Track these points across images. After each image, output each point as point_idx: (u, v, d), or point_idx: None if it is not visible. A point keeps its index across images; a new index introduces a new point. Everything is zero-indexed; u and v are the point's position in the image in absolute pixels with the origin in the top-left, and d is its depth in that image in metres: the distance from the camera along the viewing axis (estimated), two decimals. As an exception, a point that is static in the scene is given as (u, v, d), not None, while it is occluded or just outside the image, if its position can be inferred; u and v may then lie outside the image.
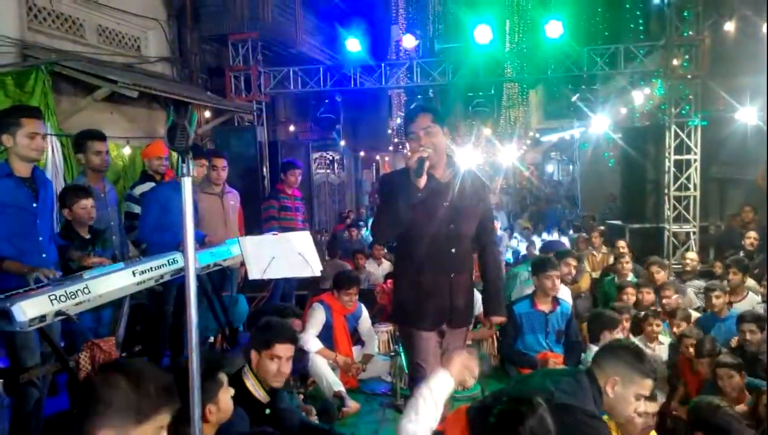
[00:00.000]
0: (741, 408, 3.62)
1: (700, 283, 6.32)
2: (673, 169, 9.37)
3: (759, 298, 5.66)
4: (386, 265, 8.33)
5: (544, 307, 4.80)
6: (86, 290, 3.13)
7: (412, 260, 3.20)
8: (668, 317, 5.30)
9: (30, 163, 3.48)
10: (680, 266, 7.86)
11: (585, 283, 6.72)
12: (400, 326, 3.60)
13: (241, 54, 10.04)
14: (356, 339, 5.35)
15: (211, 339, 5.06)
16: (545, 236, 13.05)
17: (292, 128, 13.39)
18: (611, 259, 7.66)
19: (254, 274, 3.96)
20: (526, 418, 1.80)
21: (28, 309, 2.79)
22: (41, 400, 3.41)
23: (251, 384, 3.05)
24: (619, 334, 4.37)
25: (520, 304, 4.87)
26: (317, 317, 4.94)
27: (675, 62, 9.19)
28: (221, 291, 4.87)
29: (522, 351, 4.78)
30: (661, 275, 6.14)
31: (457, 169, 3.19)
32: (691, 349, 4.31)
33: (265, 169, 9.67)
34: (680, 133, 9.32)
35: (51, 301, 2.91)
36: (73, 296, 3.04)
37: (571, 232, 12.93)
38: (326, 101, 14.48)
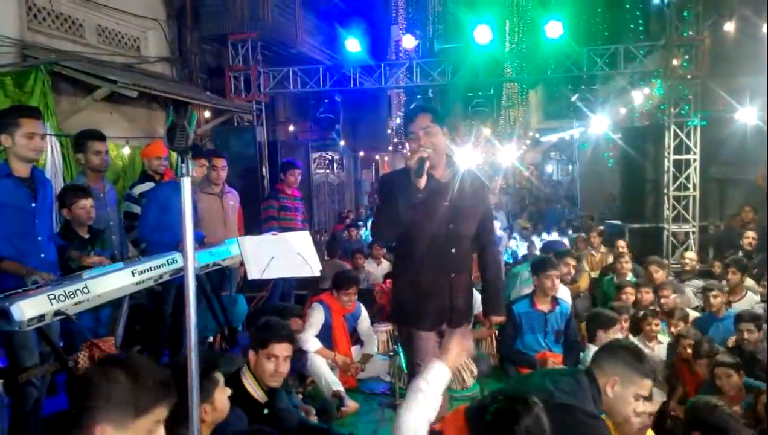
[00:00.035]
0: (735, 408, 3.62)
1: (699, 283, 6.33)
2: (672, 169, 9.38)
3: (758, 298, 5.66)
4: (385, 265, 8.33)
5: (544, 306, 4.80)
6: (85, 290, 3.13)
7: (411, 260, 3.20)
8: (666, 317, 5.31)
9: (29, 163, 3.48)
10: (679, 266, 7.86)
11: (584, 283, 6.72)
12: (399, 326, 3.60)
13: (241, 54, 10.04)
14: (355, 339, 5.35)
15: (210, 339, 5.06)
16: (545, 236, 13.03)
17: (291, 128, 13.39)
18: (610, 259, 7.67)
19: (253, 273, 3.97)
20: (521, 417, 1.80)
21: (27, 308, 2.79)
22: (40, 399, 3.41)
23: (249, 384, 3.05)
24: (617, 334, 4.37)
25: (519, 304, 4.87)
26: (316, 317, 4.95)
27: (675, 62, 9.19)
28: (220, 291, 4.87)
29: (521, 350, 4.78)
30: (659, 275, 6.14)
31: (457, 169, 3.19)
32: (689, 350, 4.32)
33: (264, 169, 9.67)
34: (680, 133, 9.32)
35: (50, 300, 2.91)
36: (72, 296, 3.04)
37: (570, 232, 12.92)
38: (326, 101, 14.47)
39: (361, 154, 18.78)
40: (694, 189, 9.39)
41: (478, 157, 23.51)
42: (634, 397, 2.34)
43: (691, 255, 7.48)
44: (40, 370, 3.33)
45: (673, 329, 5.11)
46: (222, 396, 2.49)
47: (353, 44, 10.02)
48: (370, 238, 9.57)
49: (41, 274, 3.21)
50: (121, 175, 7.32)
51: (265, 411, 3.06)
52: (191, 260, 1.88)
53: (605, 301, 6.08)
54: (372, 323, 5.49)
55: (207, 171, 5.38)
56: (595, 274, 7.36)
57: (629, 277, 6.30)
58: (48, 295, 2.92)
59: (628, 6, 15.11)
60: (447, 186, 3.12)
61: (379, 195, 3.58)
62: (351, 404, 4.47)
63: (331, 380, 4.59)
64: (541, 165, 30.73)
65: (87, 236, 4.14)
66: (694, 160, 9.32)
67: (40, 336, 3.22)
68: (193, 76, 9.56)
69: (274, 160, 9.63)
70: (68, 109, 6.83)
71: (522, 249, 11.19)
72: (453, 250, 3.14)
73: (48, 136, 5.69)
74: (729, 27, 9.80)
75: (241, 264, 4.46)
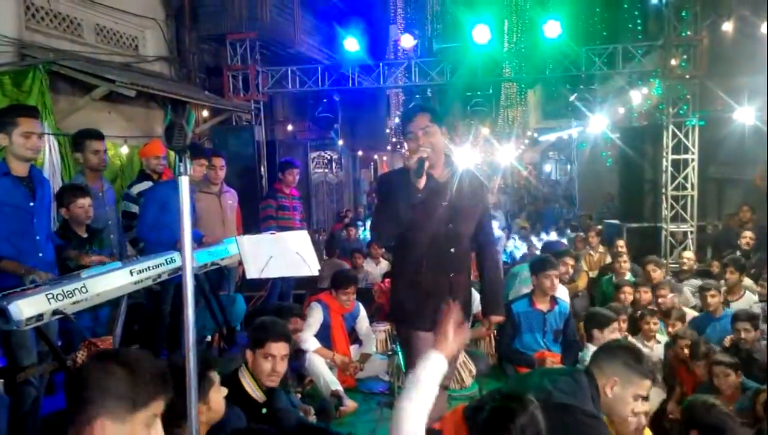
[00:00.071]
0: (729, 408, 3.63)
1: (697, 283, 6.33)
2: (670, 168, 9.39)
3: (756, 297, 5.67)
4: (384, 265, 8.34)
5: (543, 306, 4.81)
6: (84, 289, 3.13)
7: (410, 260, 3.19)
8: (663, 317, 5.31)
9: (27, 162, 3.48)
10: (677, 266, 7.87)
11: (582, 283, 6.73)
12: (397, 326, 3.60)
13: (239, 53, 10.02)
14: (354, 338, 5.35)
15: (209, 338, 5.06)
16: (543, 236, 13.04)
17: (290, 128, 13.38)
18: (608, 259, 7.68)
19: (252, 273, 3.97)
20: (517, 416, 1.80)
21: (25, 308, 2.79)
22: (38, 399, 3.41)
23: (247, 383, 3.05)
24: (614, 333, 4.37)
25: (518, 303, 4.88)
26: (315, 316, 4.95)
27: (673, 62, 9.20)
28: (219, 290, 4.87)
29: (520, 350, 4.78)
30: (657, 274, 6.15)
31: (455, 168, 3.18)
32: (686, 350, 4.32)
33: (263, 169, 9.66)
34: (678, 132, 9.33)
35: (48, 299, 2.91)
36: (71, 295, 3.04)
37: (568, 231, 12.93)
38: (324, 101, 14.47)
39: (360, 153, 18.79)
40: (693, 189, 9.40)
41: (476, 156, 23.52)
42: (632, 398, 2.34)
43: (689, 254, 7.50)
44: (38, 369, 3.33)
45: (670, 329, 5.11)
46: (217, 396, 2.47)
47: (352, 44, 10.01)
48: (370, 238, 9.56)
49: (39, 273, 3.21)
50: (119, 174, 7.31)
51: (264, 410, 3.05)
52: (189, 260, 1.87)
53: (604, 301, 6.09)
54: (371, 323, 5.49)
55: (206, 170, 5.37)
56: (593, 274, 7.37)
57: (628, 276, 6.31)
58: (46, 295, 2.92)
59: (626, 6, 15.12)
60: (445, 186, 3.12)
61: (378, 195, 3.58)
62: (349, 404, 4.47)
63: (329, 380, 4.59)
64: (540, 164, 30.76)
65: (85, 235, 4.14)
66: (693, 160, 9.33)
67: (38, 335, 3.22)
68: (192, 76, 9.55)
69: (272, 160, 9.62)
70: (66, 108, 6.82)
71: (522, 248, 11.19)
72: (452, 250, 3.14)
73: (46, 136, 5.68)
74: (727, 27, 9.81)
75: (240, 263, 4.47)
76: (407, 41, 12.35)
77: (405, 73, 10.60)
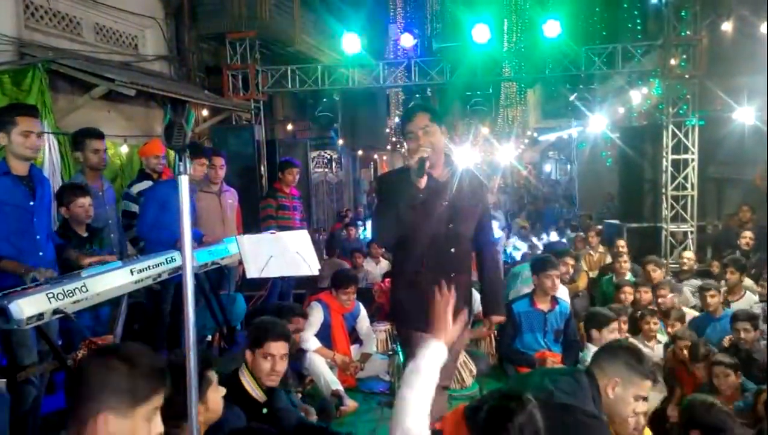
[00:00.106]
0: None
1: (697, 283, 6.33)
2: (670, 168, 9.38)
3: (756, 298, 5.67)
4: (384, 264, 8.34)
5: (543, 306, 4.81)
6: (84, 289, 3.13)
7: (410, 260, 3.18)
8: (663, 317, 5.31)
9: (26, 161, 3.48)
10: (677, 266, 7.87)
11: (582, 283, 6.73)
12: (398, 326, 3.59)
13: (239, 52, 10.01)
14: (354, 338, 5.35)
15: (209, 338, 5.06)
16: (543, 236, 13.04)
17: (290, 127, 13.37)
18: (608, 259, 7.68)
19: (252, 272, 3.96)
20: (515, 415, 1.80)
21: (26, 307, 2.79)
22: (39, 398, 3.41)
23: (248, 383, 3.05)
24: (613, 333, 4.36)
25: (519, 303, 4.88)
26: (315, 316, 4.94)
27: (673, 62, 9.20)
28: (219, 290, 4.87)
29: (520, 350, 4.78)
30: (657, 274, 6.15)
31: (455, 168, 3.17)
32: (685, 351, 4.32)
33: (262, 168, 9.64)
34: (678, 132, 9.33)
35: (49, 299, 2.91)
36: (71, 294, 3.03)
37: (568, 231, 12.93)
38: (324, 100, 14.47)
39: (360, 153, 18.79)
40: (693, 189, 9.40)
41: (476, 156, 23.53)
42: (633, 398, 2.35)
43: (689, 254, 7.50)
44: (38, 368, 3.33)
45: (669, 330, 5.11)
46: (215, 395, 2.46)
47: (351, 43, 10.00)
48: (370, 239, 9.55)
49: (40, 270, 3.20)
50: (119, 173, 7.31)
51: (264, 410, 3.05)
52: (190, 259, 1.87)
53: (604, 301, 6.09)
54: (371, 322, 5.48)
55: (206, 170, 5.37)
56: (593, 274, 7.37)
57: (628, 276, 6.31)
58: (47, 294, 2.92)
59: (626, 5, 15.14)
60: (445, 185, 3.11)
61: (378, 195, 3.57)
62: (350, 403, 4.47)
63: (330, 379, 4.59)
64: (540, 164, 30.78)
65: (85, 235, 4.13)
66: (693, 160, 9.33)
67: (38, 334, 3.22)
68: (191, 75, 9.55)
69: (272, 159, 9.60)
70: (66, 107, 6.81)
71: (522, 248, 11.18)
72: (452, 250, 3.13)
73: (46, 135, 5.68)
74: (727, 27, 9.81)
75: (240, 263, 4.46)
76: (407, 40, 12.34)
77: (405, 72, 10.60)
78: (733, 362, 3.93)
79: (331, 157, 14.58)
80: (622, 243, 7.24)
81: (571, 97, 18.55)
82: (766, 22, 8.20)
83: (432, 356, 2.09)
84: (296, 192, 6.77)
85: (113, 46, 8.06)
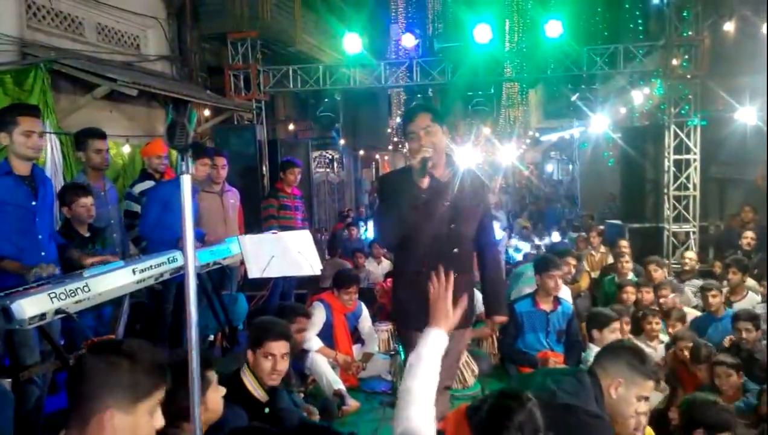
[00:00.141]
0: None
1: (699, 283, 6.33)
2: (672, 168, 9.38)
3: (759, 298, 5.66)
4: (386, 264, 8.34)
5: (546, 306, 4.80)
6: (86, 288, 3.13)
7: (412, 260, 3.18)
8: (664, 317, 5.31)
9: (28, 161, 3.48)
10: (679, 266, 7.86)
11: (584, 283, 6.72)
12: (399, 327, 3.59)
13: (241, 53, 10.02)
14: (356, 338, 5.35)
15: (211, 337, 5.06)
16: (545, 236, 13.03)
17: (291, 127, 13.38)
18: (610, 259, 7.67)
19: (254, 272, 3.97)
20: (514, 413, 1.80)
21: (28, 307, 2.79)
22: (41, 398, 3.41)
23: (249, 383, 3.05)
24: (614, 333, 4.35)
25: (521, 303, 4.87)
26: (317, 316, 4.94)
27: (674, 62, 9.19)
28: (221, 289, 4.87)
29: (522, 350, 4.78)
30: (659, 274, 6.15)
31: (457, 168, 3.17)
32: (686, 352, 4.31)
33: (264, 168, 9.65)
34: (680, 132, 9.33)
35: (51, 299, 2.91)
36: (73, 294, 3.04)
37: (570, 231, 12.93)
38: (326, 100, 14.48)
39: (361, 153, 18.80)
40: (695, 189, 9.39)
41: (478, 156, 23.52)
42: (636, 398, 2.34)
43: (691, 255, 7.48)
44: (41, 368, 3.33)
45: (670, 330, 5.10)
46: (215, 396, 2.45)
47: (353, 43, 10.00)
48: (373, 239, 9.55)
49: (42, 266, 3.21)
50: (121, 173, 7.32)
51: (266, 410, 3.05)
52: (192, 259, 1.87)
53: (606, 301, 6.08)
54: (373, 322, 5.48)
55: (209, 170, 5.37)
56: (594, 274, 7.36)
57: (630, 276, 6.30)
58: (49, 294, 2.92)
59: (627, 6, 15.12)
60: (447, 185, 3.10)
61: (379, 195, 3.56)
62: (352, 403, 4.47)
63: (332, 379, 4.59)
64: (541, 164, 30.78)
65: (87, 235, 4.14)
66: (694, 160, 9.33)
67: (41, 334, 3.22)
68: (193, 75, 9.56)
69: (274, 159, 9.61)
70: (68, 107, 6.82)
71: (524, 249, 11.16)
72: (455, 250, 3.12)
73: (48, 135, 5.69)
74: (729, 27, 9.80)
75: (242, 263, 4.47)
76: (408, 41, 12.35)
77: (406, 72, 10.60)
78: (735, 362, 3.92)
79: (332, 157, 14.59)
80: (624, 243, 7.23)
81: (573, 98, 18.55)
82: (767, 22, 8.19)
83: (433, 344, 2.07)
84: (298, 192, 6.78)
85: (115, 46, 8.07)
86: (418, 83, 10.65)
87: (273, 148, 9.83)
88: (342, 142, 15.43)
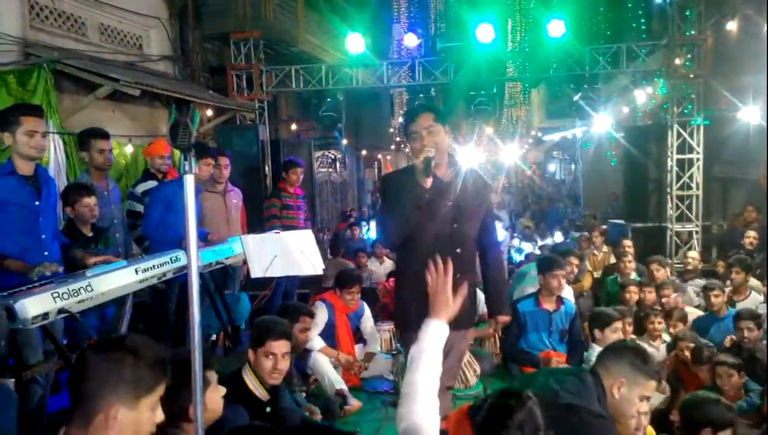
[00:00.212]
0: None
1: (702, 282, 6.32)
2: (675, 168, 9.37)
3: (762, 298, 5.65)
4: (388, 264, 8.34)
5: (549, 305, 4.80)
6: (89, 288, 3.14)
7: (415, 261, 3.17)
8: (666, 317, 5.30)
9: (31, 161, 3.49)
10: (682, 265, 7.85)
11: (587, 283, 6.72)
12: (401, 327, 3.57)
13: (243, 52, 10.03)
14: (358, 337, 5.35)
15: (214, 337, 5.07)
16: (548, 235, 13.01)
17: (294, 127, 13.39)
18: (612, 259, 7.66)
19: (256, 272, 3.97)
20: (515, 412, 1.80)
21: (31, 306, 2.80)
22: (44, 397, 3.42)
23: (251, 382, 3.06)
24: (616, 333, 4.34)
25: (524, 303, 4.87)
26: (319, 316, 4.95)
27: (677, 61, 9.18)
28: (224, 289, 4.87)
29: (525, 349, 4.77)
30: (661, 273, 6.14)
31: (459, 168, 3.17)
32: (686, 352, 4.30)
33: (267, 168, 9.66)
34: (683, 132, 9.31)
35: (54, 298, 2.92)
36: (76, 294, 3.04)
37: (573, 231, 12.91)
38: (328, 100, 14.48)
39: (364, 152, 18.80)
40: (697, 188, 9.38)
41: (480, 156, 23.48)
42: (638, 398, 2.34)
43: (693, 254, 7.47)
44: (44, 367, 3.34)
45: (672, 330, 5.09)
46: (214, 396, 2.44)
47: (355, 43, 10.00)
48: (378, 241, 9.53)
49: (45, 264, 3.21)
50: (124, 173, 7.33)
51: (267, 409, 3.06)
52: (195, 258, 1.87)
53: (609, 301, 6.07)
54: (375, 322, 5.49)
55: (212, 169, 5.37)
56: (597, 274, 7.35)
57: (633, 276, 6.29)
58: (52, 293, 2.93)
59: (630, 5, 15.10)
60: (449, 185, 3.10)
61: (382, 196, 3.56)
62: (354, 403, 4.47)
63: (334, 379, 4.59)
64: (544, 164, 30.76)
65: (90, 234, 4.15)
66: (698, 160, 9.31)
67: (44, 334, 3.23)
68: (196, 75, 9.57)
69: (276, 159, 9.62)
70: (71, 107, 6.84)
71: (526, 249, 11.14)
72: (458, 250, 3.12)
73: (51, 135, 5.70)
74: (731, 26, 9.79)
75: (244, 262, 4.47)
76: (411, 40, 12.34)
77: (409, 72, 10.60)
78: (737, 362, 3.91)
79: (335, 156, 14.59)
80: (628, 243, 7.22)
81: (576, 97, 18.55)
82: (769, 22, 8.18)
83: (434, 335, 2.07)
84: (300, 192, 6.78)
85: (118, 46, 8.09)
86: (421, 83, 10.65)
87: (275, 148, 9.84)
88: (344, 141, 15.43)
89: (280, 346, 3.06)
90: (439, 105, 22.18)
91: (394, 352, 5.25)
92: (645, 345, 3.99)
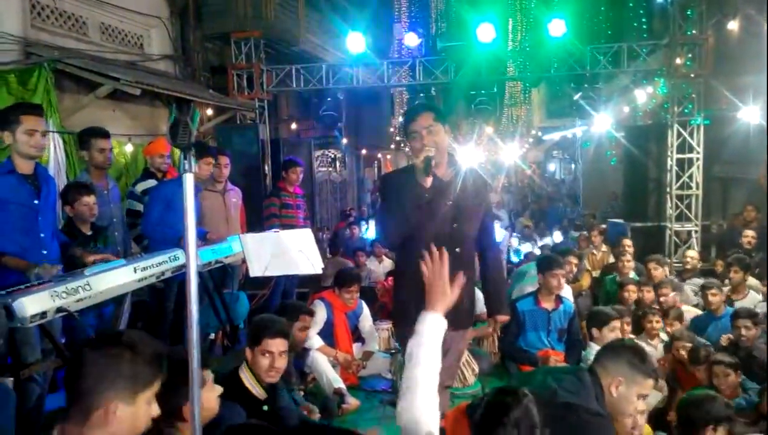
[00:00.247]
0: None
1: (701, 282, 6.32)
2: (675, 167, 9.37)
3: (761, 297, 5.65)
4: (387, 263, 8.34)
5: (548, 304, 4.81)
6: (87, 287, 3.14)
7: (414, 260, 3.16)
8: (664, 316, 5.30)
9: (31, 160, 3.50)
10: (681, 265, 7.86)
11: (586, 282, 6.72)
12: (400, 327, 3.56)
13: (244, 52, 10.04)
14: (357, 336, 5.36)
15: (212, 336, 5.07)
16: (547, 235, 13.00)
17: (294, 126, 13.39)
18: (611, 258, 7.66)
19: (255, 271, 3.98)
20: (511, 409, 1.81)
21: (29, 305, 2.80)
22: (42, 396, 3.43)
23: (248, 380, 3.06)
24: (614, 332, 4.34)
25: (523, 301, 4.88)
26: (318, 314, 4.95)
27: (678, 61, 9.18)
28: (222, 288, 4.88)
29: (523, 348, 4.78)
30: (658, 272, 6.14)
31: (459, 167, 3.17)
32: (683, 352, 4.30)
33: (266, 167, 9.67)
34: (683, 131, 9.31)
35: (52, 297, 2.92)
36: (74, 293, 3.04)
37: (572, 231, 12.91)
38: (328, 99, 14.47)
39: (364, 152, 18.79)
40: (697, 188, 9.38)
41: (480, 155, 23.48)
42: (636, 397, 2.35)
43: (693, 254, 7.47)
44: (42, 366, 3.35)
45: (668, 329, 5.10)
46: (210, 395, 2.43)
47: (356, 42, 10.00)
48: (377, 240, 9.53)
49: (45, 266, 3.22)
50: (123, 172, 7.34)
51: (265, 407, 3.06)
52: (193, 257, 1.88)
53: (607, 300, 6.07)
54: (373, 321, 5.50)
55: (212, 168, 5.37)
56: (596, 273, 7.35)
57: (631, 275, 6.29)
58: (50, 292, 2.93)
59: (631, 4, 15.08)
60: (449, 185, 3.10)
61: (381, 195, 3.55)
62: (352, 401, 4.48)
63: (332, 377, 4.60)
64: (544, 163, 30.74)
65: (90, 233, 4.15)
66: (698, 159, 9.31)
67: (42, 332, 3.23)
68: (196, 74, 9.57)
69: (276, 158, 9.63)
70: (71, 106, 6.84)
71: (525, 248, 11.13)
72: (457, 250, 3.12)
73: (51, 134, 5.70)
74: (732, 26, 9.78)
75: (243, 261, 4.48)
76: (411, 40, 12.36)
77: (409, 71, 10.60)
78: (733, 361, 3.91)
79: (335, 156, 14.59)
80: (628, 242, 7.22)
81: (576, 97, 18.54)
82: (769, 22, 8.18)
83: (432, 328, 2.06)
84: (300, 191, 6.79)
85: (118, 46, 8.09)
86: (421, 82, 10.65)
87: (275, 148, 9.85)
88: (344, 141, 15.42)
89: (277, 345, 3.07)
90: (439, 104, 22.19)
91: (393, 351, 5.26)
92: (643, 344, 3.99)
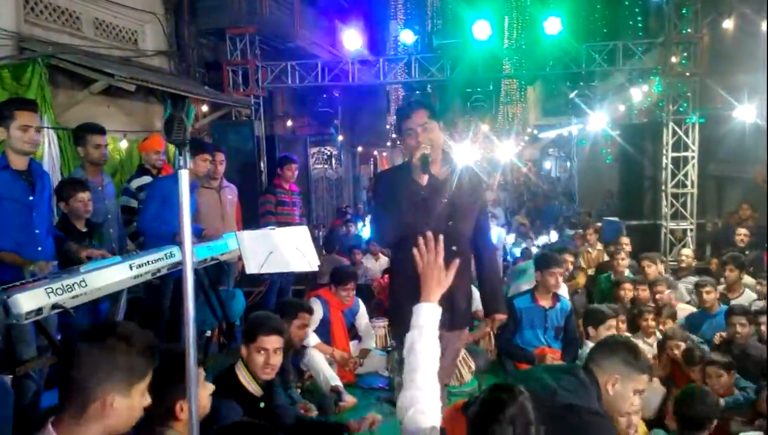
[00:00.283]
0: None
1: (696, 280, 6.34)
2: (670, 166, 9.40)
3: (755, 295, 5.67)
4: (383, 261, 8.34)
5: (545, 302, 4.81)
6: (83, 283, 3.13)
7: (410, 258, 3.15)
8: (657, 314, 5.30)
9: (25, 155, 3.48)
10: (676, 263, 7.88)
11: (582, 280, 6.72)
12: (395, 326, 3.55)
13: (239, 48, 10.00)
14: (353, 334, 5.36)
15: (208, 333, 5.06)
16: (543, 233, 13.02)
17: (289, 123, 13.36)
18: (605, 256, 7.67)
19: (251, 268, 3.96)
20: (507, 406, 1.81)
21: (25, 302, 2.79)
22: (38, 393, 3.41)
23: (244, 377, 3.06)
24: (611, 331, 4.35)
25: (520, 299, 4.88)
26: (315, 312, 4.94)
27: (673, 59, 9.20)
28: (218, 285, 4.86)
29: (520, 345, 4.79)
30: (652, 270, 6.16)
31: (454, 165, 3.16)
32: (676, 351, 4.31)
33: (262, 164, 9.65)
34: (678, 130, 9.34)
35: (47, 294, 2.91)
36: (70, 289, 3.03)
37: (567, 229, 12.92)
38: (324, 96, 14.45)
39: (360, 149, 18.77)
40: (692, 186, 9.41)
41: (476, 153, 23.47)
42: (632, 393, 2.36)
43: (687, 252, 7.50)
44: (37, 363, 3.33)
45: (661, 327, 5.11)
46: (202, 392, 2.41)
47: (352, 39, 9.99)
48: (372, 239, 9.53)
49: (40, 263, 3.21)
50: (118, 168, 7.30)
51: (261, 404, 3.06)
52: (189, 254, 1.86)
53: (602, 298, 6.09)
54: (370, 318, 5.50)
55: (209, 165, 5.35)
56: (591, 271, 7.36)
57: (626, 273, 6.30)
58: (46, 289, 2.92)
59: (627, 3, 15.10)
60: (445, 182, 3.09)
61: (376, 193, 3.54)
62: (349, 399, 4.48)
63: (329, 375, 4.60)
64: (539, 161, 30.74)
65: (85, 230, 4.13)
66: (693, 158, 9.34)
67: (37, 329, 3.22)
68: (191, 70, 9.53)
69: (272, 155, 9.61)
70: (65, 102, 6.80)
71: (520, 246, 11.14)
72: (453, 248, 3.11)
73: (45, 129, 5.67)
74: (728, 24, 9.81)
75: (239, 258, 4.46)
76: (407, 37, 12.30)
77: (405, 68, 10.59)
78: (727, 362, 3.92)
79: (330, 153, 14.57)
80: (626, 241, 7.23)
81: (572, 95, 18.52)
82: (766, 21, 8.19)
83: (428, 318, 2.06)
84: (296, 188, 6.77)
85: (113, 41, 8.05)
86: (417, 80, 10.65)
87: (271, 144, 9.82)
88: (340, 138, 15.40)
89: (272, 342, 3.07)
90: (435, 102, 22.14)
91: (389, 349, 5.25)
92: (639, 342, 3.99)
